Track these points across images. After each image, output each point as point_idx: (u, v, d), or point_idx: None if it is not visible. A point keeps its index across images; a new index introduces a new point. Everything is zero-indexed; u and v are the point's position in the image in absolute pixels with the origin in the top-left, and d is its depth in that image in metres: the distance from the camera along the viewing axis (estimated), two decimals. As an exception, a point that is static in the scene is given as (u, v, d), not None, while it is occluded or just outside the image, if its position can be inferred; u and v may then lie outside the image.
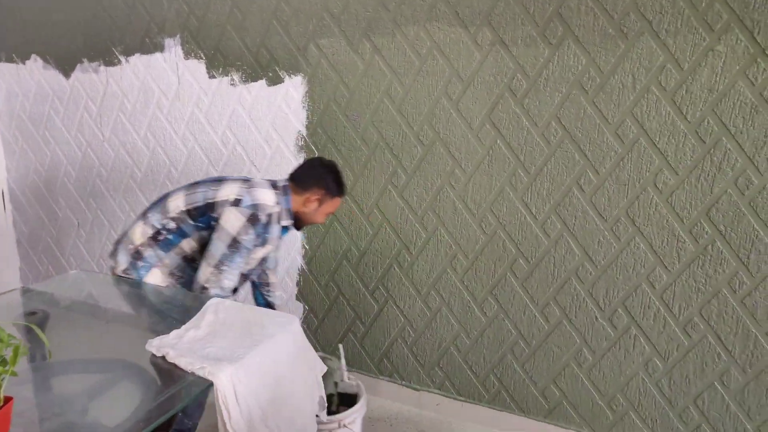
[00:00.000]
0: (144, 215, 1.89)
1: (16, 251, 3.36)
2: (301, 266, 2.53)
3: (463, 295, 2.21)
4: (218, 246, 1.74)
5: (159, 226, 1.84)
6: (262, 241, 1.81)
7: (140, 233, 1.87)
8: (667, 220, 1.84)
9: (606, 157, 1.88)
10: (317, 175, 1.87)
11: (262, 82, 2.42)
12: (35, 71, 2.99)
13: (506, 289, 2.13)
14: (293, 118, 2.39)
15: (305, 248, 2.50)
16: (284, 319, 1.55)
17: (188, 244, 1.84)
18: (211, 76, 2.53)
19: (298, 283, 2.56)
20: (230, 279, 1.76)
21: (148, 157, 2.79)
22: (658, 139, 1.80)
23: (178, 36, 2.56)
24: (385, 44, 2.15)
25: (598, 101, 1.86)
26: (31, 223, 3.25)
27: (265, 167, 2.50)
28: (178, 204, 1.83)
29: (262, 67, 2.41)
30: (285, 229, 1.92)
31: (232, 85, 2.49)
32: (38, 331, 1.07)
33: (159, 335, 1.41)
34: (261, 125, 2.46)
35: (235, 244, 1.73)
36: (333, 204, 1.91)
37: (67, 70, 2.90)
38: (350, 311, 2.47)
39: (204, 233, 1.82)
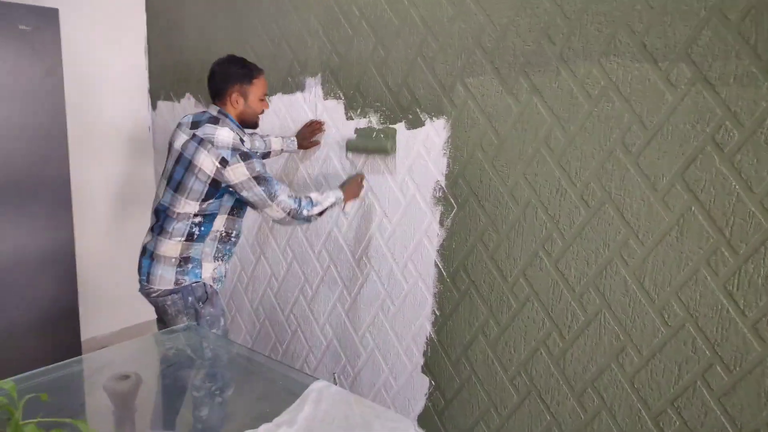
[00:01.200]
0: (162, 231, 1.96)
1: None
2: (430, 334, 2.20)
3: (633, 401, 1.72)
4: (255, 192, 1.91)
5: (188, 229, 1.95)
6: (262, 158, 2.03)
7: (173, 246, 1.96)
8: None
9: None
10: (224, 77, 2.01)
11: (401, 125, 2.18)
12: (188, 109, 3.07)
13: (695, 403, 1.61)
14: (432, 166, 2.10)
15: (435, 314, 2.17)
16: (396, 424, 1.22)
17: (220, 221, 2.00)
18: (349, 118, 2.35)
19: (425, 353, 2.22)
20: (284, 191, 1.96)
21: (280, 200, 2.67)
22: None
23: (318, 75, 2.43)
24: (547, 83, 1.79)
25: None
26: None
27: (398, 219, 2.23)
28: (190, 207, 1.93)
29: (402, 109, 2.17)
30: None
31: (370, 127, 2.28)
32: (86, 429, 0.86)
33: (247, 426, 1.17)
34: (396, 172, 2.21)
35: (258, 179, 1.91)
36: (255, 89, 2.04)
37: (215, 109, 2.92)
38: (484, 396, 2.07)
39: (228, 200, 1.98)
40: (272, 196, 1.93)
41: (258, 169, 1.91)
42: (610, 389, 1.77)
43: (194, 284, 1.99)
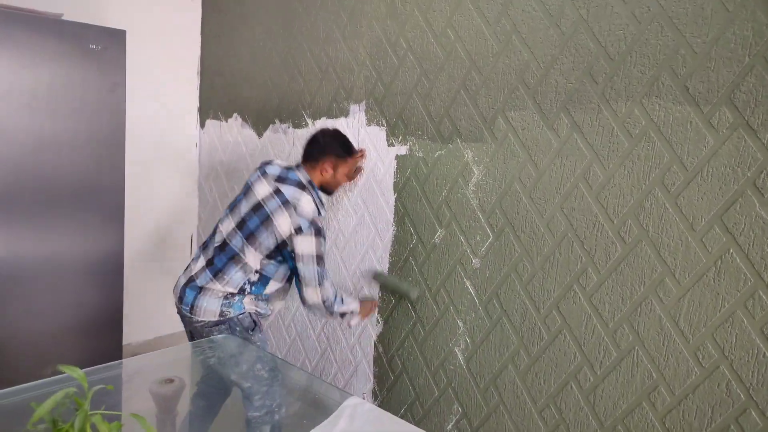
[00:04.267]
0: (220, 274, 2.01)
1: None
2: (459, 361, 2.22)
3: (663, 441, 1.71)
4: (309, 269, 1.98)
5: (242, 284, 2.01)
6: (325, 238, 2.05)
7: (224, 288, 2.00)
8: None
9: None
10: (322, 147, 2.11)
11: (441, 155, 2.24)
12: (234, 129, 3.19)
13: (727, 447, 1.59)
14: (470, 196, 2.15)
15: (466, 341, 2.19)
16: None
17: (272, 287, 2.08)
18: (390, 144, 2.42)
19: (451, 382, 2.24)
20: (330, 283, 2.04)
21: (319, 220, 2.75)
22: None
23: (363, 102, 2.52)
24: (587, 121, 1.83)
25: None
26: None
27: (432, 246, 2.28)
28: (253, 257, 2.00)
29: (443, 138, 2.23)
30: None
31: (411, 155, 2.35)
32: (145, 425, 0.92)
33: (274, 418, 1.21)
34: (434, 199, 2.26)
35: (319, 259, 1.98)
36: (347, 166, 2.18)
37: (260, 130, 3.04)
38: (511, 426, 2.07)
39: (286, 269, 2.07)
40: (321, 281, 2.00)
41: (323, 249, 2.00)
42: (640, 427, 1.76)
43: (240, 315, 2.02)
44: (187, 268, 2.16)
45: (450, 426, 2.27)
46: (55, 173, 2.34)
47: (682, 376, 1.67)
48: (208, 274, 2.04)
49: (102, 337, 2.53)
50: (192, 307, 2.02)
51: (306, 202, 2.00)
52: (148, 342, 3.34)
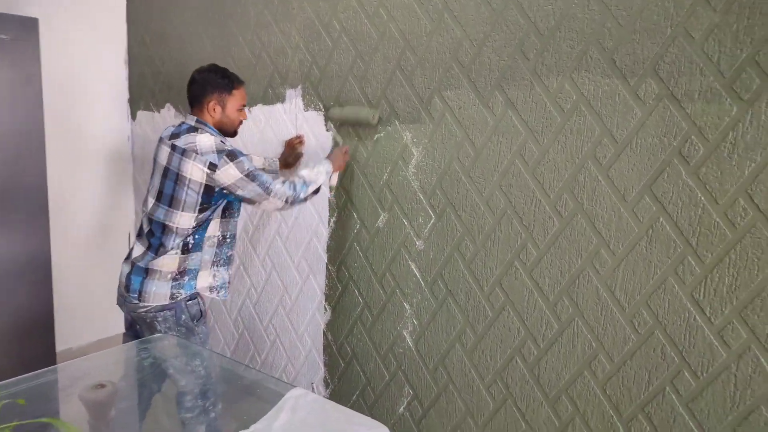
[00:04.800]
0: (160, 246, 1.95)
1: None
2: (408, 344, 2.21)
3: (605, 407, 1.76)
4: (250, 189, 1.93)
5: (185, 241, 1.95)
6: (247, 154, 2.02)
7: (170, 260, 1.95)
8: None
9: (821, 250, 1.38)
10: (201, 86, 2.01)
11: (380, 137, 2.21)
12: (168, 120, 3.07)
13: (664, 408, 1.65)
14: (411, 177, 2.14)
15: (414, 323, 2.19)
16: (374, 429, 1.24)
17: (213, 226, 2.01)
18: (328, 129, 2.38)
19: (401, 365, 2.24)
20: (278, 181, 1.98)
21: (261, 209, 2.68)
22: None
23: (299, 87, 2.46)
24: (521, 97, 1.84)
25: (811, 175, 1.38)
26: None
27: (375, 231, 2.25)
28: (187, 219, 1.93)
29: (381, 121, 2.20)
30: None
31: (349, 138, 2.31)
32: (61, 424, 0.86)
33: (209, 417, 1.17)
34: (375, 183, 2.23)
35: (251, 175, 1.92)
36: (235, 99, 2.05)
37: (195, 119, 2.93)
38: (461, 404, 2.09)
39: (222, 206, 2.01)
40: (268, 189, 1.94)
41: (247, 166, 1.93)
42: (583, 396, 1.80)
43: (189, 302, 1.99)
44: (126, 259, 2.10)
45: (402, 408, 2.27)
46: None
47: (620, 343, 1.71)
48: (149, 254, 1.99)
49: (32, 343, 2.40)
50: (140, 293, 1.96)
51: (202, 139, 1.93)
52: (90, 345, 3.20)
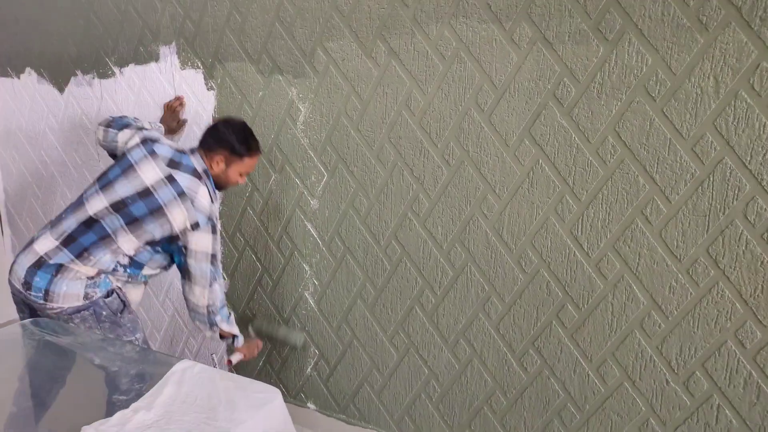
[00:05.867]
0: (84, 255, 1.74)
1: (14, 279, 3.13)
2: (310, 305, 2.19)
3: (499, 346, 1.83)
4: (202, 267, 1.81)
5: (111, 266, 1.78)
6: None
7: (89, 270, 1.76)
8: (761, 262, 1.42)
9: (680, 180, 1.48)
10: (219, 137, 1.87)
11: (265, 94, 2.11)
12: (30, 85, 2.77)
13: (552, 341, 1.74)
14: (300, 135, 2.07)
15: (314, 283, 2.16)
16: (263, 395, 1.20)
17: (147, 271, 1.88)
18: (210, 88, 2.23)
19: (305, 326, 2.22)
20: (221, 290, 1.88)
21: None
22: (749, 158, 1.40)
23: (173, 44, 2.28)
24: (403, 46, 1.80)
25: (669, 110, 1.47)
26: (29, 249, 3.01)
27: (269, 193, 2.18)
28: (130, 243, 1.78)
29: (263, 77, 2.09)
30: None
31: (232, 97, 2.18)
32: None
33: (106, 413, 1.10)
34: (264, 143, 2.14)
35: (213, 258, 1.82)
36: (243, 165, 1.90)
37: (61, 84, 2.66)
38: (366, 359, 2.11)
39: (164, 259, 1.88)
40: (211, 282, 1.82)
41: (218, 248, 1.84)
42: (479, 337, 1.87)
43: (108, 299, 1.78)
44: (26, 247, 1.80)
45: (309, 369, 2.26)
46: None
47: (510, 284, 1.78)
48: (67, 253, 1.74)
49: None
50: (47, 292, 1.71)
51: (203, 195, 1.80)
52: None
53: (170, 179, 1.79)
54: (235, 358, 2.06)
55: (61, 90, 2.67)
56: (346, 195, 2.02)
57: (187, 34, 2.23)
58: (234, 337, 1.97)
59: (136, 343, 1.80)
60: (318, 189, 2.08)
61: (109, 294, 1.80)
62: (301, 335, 2.21)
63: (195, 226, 1.78)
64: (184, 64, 2.27)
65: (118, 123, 2.00)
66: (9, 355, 1.54)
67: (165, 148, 1.87)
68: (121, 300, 1.83)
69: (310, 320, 2.21)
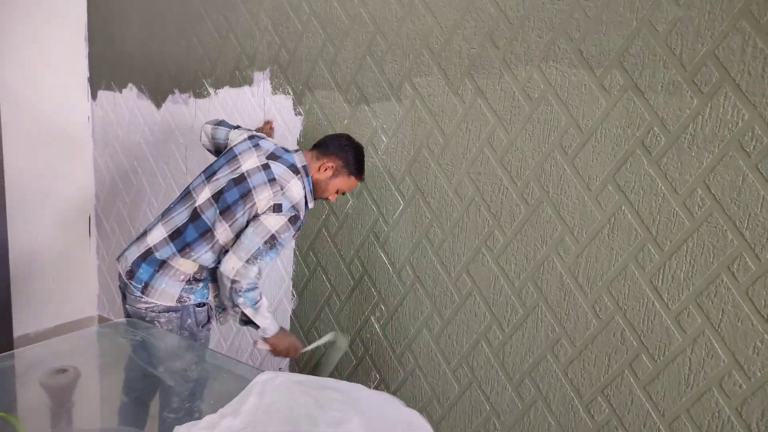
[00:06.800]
0: (186, 249, 1.79)
1: (96, 279, 3.34)
2: (376, 329, 2.23)
3: (566, 390, 1.81)
4: (254, 240, 1.73)
5: (214, 262, 1.81)
6: (297, 232, 1.83)
7: (192, 265, 1.81)
8: None
9: (772, 238, 1.45)
10: (340, 146, 1.90)
11: (350, 123, 2.20)
12: (130, 100, 2.98)
13: (623, 390, 1.71)
14: (380, 164, 2.14)
15: (381, 308, 2.20)
16: (340, 414, 1.25)
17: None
18: (297, 113, 2.35)
19: (368, 350, 2.26)
20: (259, 272, 1.76)
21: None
22: None
23: (267, 70, 2.42)
24: (490, 86, 1.85)
25: (765, 167, 1.44)
26: (114, 252, 3.21)
27: (342, 218, 2.25)
28: (225, 235, 1.79)
29: (350, 106, 2.19)
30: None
31: (318, 123, 2.29)
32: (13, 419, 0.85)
33: (193, 417, 1.17)
34: (344, 169, 2.22)
35: (272, 240, 1.74)
36: (347, 182, 1.92)
37: (159, 100, 2.86)
38: (427, 388, 2.12)
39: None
40: (251, 259, 1.72)
41: (284, 238, 1.75)
42: (545, 379, 1.85)
43: (198, 308, 1.83)
44: (139, 237, 1.87)
45: (368, 393, 2.29)
46: None
47: (582, 328, 1.76)
48: (171, 247, 1.79)
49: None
50: (146, 286, 1.77)
51: (294, 186, 1.79)
52: (49, 330, 3.11)
53: (265, 167, 1.80)
54: (262, 345, 1.93)
55: (158, 106, 2.87)
56: (420, 225, 2.07)
57: (282, 61, 2.37)
58: (263, 328, 1.84)
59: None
60: (393, 217, 2.13)
61: (200, 305, 1.85)
62: (343, 338, 2.09)
63: (276, 208, 1.74)
64: (275, 89, 2.41)
65: (228, 123, 2.10)
66: (113, 349, 1.65)
67: (269, 143, 1.91)
68: (208, 315, 1.89)
69: (374, 344, 2.24)
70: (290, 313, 2.48)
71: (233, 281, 1.73)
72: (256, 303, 1.79)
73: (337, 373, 2.37)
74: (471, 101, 1.90)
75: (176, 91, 2.77)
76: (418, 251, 2.09)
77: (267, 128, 2.39)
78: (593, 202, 1.70)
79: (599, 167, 1.68)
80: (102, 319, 3.34)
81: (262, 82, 2.44)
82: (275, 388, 1.31)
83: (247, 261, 1.72)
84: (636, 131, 1.61)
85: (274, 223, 1.73)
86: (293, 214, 1.77)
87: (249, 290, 1.76)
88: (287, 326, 2.50)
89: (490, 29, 1.83)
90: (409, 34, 2.01)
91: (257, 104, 2.48)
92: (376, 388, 2.26)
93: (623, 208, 1.66)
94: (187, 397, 1.46)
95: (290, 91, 2.36)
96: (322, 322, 2.39)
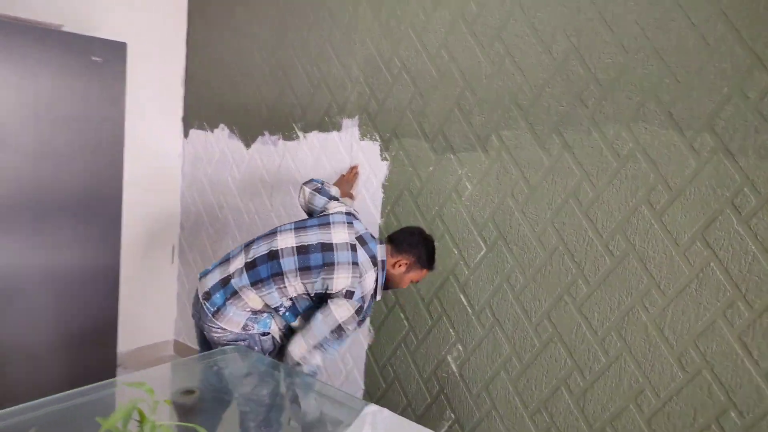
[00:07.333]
0: (258, 285, 1.91)
1: (176, 305, 3.53)
2: (452, 369, 2.30)
3: (649, 441, 1.84)
4: (322, 328, 1.85)
5: (277, 304, 1.92)
6: (361, 321, 1.93)
7: (257, 302, 1.92)
8: None
9: None
10: (413, 243, 2.01)
11: (435, 170, 2.33)
12: (221, 140, 3.21)
13: (708, 445, 1.73)
14: (463, 210, 2.25)
15: (459, 349, 2.28)
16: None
17: (303, 318, 1.97)
18: (383, 159, 2.50)
19: (443, 389, 2.33)
20: (322, 359, 1.89)
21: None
22: None
23: (356, 117, 2.59)
24: (578, 141, 1.95)
25: None
26: (193, 281, 3.40)
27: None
28: (296, 287, 1.91)
29: (436, 154, 2.32)
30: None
31: (403, 169, 2.43)
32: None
33: None
34: (427, 213, 2.35)
35: (339, 330, 1.86)
36: (419, 274, 2.04)
37: (248, 141, 3.07)
38: (503, 431, 2.17)
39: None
40: (317, 346, 1.85)
41: (350, 327, 1.87)
42: (627, 429, 1.88)
43: (263, 336, 1.94)
44: (222, 262, 2.03)
45: (443, 431, 2.35)
46: (54, 184, 2.33)
47: (667, 380, 1.80)
48: (245, 278, 1.92)
49: (97, 347, 2.52)
50: (218, 310, 1.91)
51: (370, 277, 1.92)
52: (139, 349, 3.31)
53: (353, 248, 1.94)
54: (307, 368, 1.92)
55: (247, 146, 3.08)
56: (502, 270, 2.16)
57: (371, 110, 2.53)
58: (313, 370, 1.92)
59: None
60: (475, 261, 2.23)
61: (265, 333, 1.97)
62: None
63: (348, 294, 1.87)
64: (363, 135, 2.57)
65: (325, 192, 2.20)
66: (236, 368, 1.79)
67: (361, 225, 2.05)
68: (273, 344, 1.99)
69: (450, 384, 2.31)
70: (366, 347, 2.58)
71: (299, 363, 1.87)
72: (314, 369, 1.91)
73: (411, 410, 2.45)
74: (558, 155, 2.00)
75: (266, 132, 2.98)
76: (499, 295, 2.17)
77: (353, 174, 2.54)
78: (681, 257, 1.76)
79: (688, 224, 1.75)
80: (178, 344, 3.51)
81: (350, 128, 2.61)
82: (384, 419, 1.40)
83: (314, 347, 1.85)
84: (726, 191, 1.68)
85: (342, 313, 1.85)
86: (360, 305, 1.88)
87: (308, 374, 1.87)
88: (362, 361, 2.59)
89: (580, 89, 1.94)
90: (498, 90, 2.14)
91: (344, 149, 2.64)
92: (450, 428, 2.32)
93: (711, 264, 1.71)
94: (262, 421, 1.56)
95: (377, 138, 2.52)
96: (397, 359, 2.48)
